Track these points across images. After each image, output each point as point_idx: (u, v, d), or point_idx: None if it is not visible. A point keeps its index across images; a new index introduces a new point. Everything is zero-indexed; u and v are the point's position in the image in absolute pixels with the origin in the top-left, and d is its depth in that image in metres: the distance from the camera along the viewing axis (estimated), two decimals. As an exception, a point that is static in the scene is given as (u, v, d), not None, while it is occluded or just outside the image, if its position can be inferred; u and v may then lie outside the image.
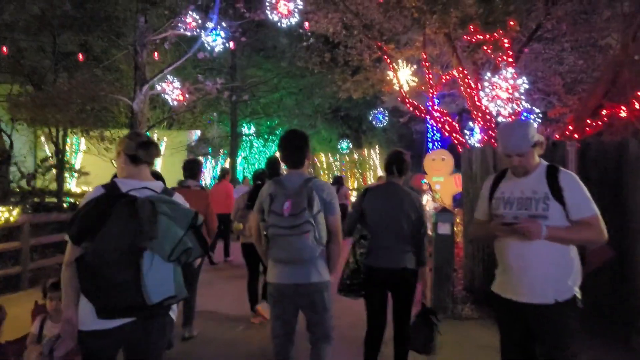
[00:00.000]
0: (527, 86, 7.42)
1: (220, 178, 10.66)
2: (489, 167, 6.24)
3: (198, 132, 23.49)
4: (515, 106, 7.48)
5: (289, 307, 3.25)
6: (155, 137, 22.20)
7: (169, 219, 2.40)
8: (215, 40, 11.55)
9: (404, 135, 26.42)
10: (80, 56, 11.78)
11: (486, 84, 7.78)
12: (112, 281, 2.29)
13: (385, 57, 10.50)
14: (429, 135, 19.26)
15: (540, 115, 10.52)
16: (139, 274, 2.30)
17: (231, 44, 11.67)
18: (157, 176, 3.64)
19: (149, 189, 2.56)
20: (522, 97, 7.38)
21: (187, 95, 13.05)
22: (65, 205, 8.40)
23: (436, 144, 18.68)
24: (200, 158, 26.21)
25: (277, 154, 3.81)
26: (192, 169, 5.43)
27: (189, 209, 2.58)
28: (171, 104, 12.95)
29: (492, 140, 10.16)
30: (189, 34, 12.22)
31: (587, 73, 11.71)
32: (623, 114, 8.28)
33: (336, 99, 23.54)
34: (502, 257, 2.96)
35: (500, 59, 8.17)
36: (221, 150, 24.05)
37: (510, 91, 7.34)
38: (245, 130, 24.34)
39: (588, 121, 8.69)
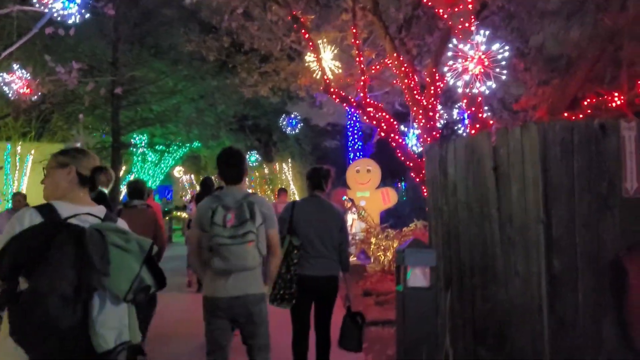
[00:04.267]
0: (507, 53, 5.20)
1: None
2: (483, 169, 3.80)
3: (78, 145, 19.63)
4: (492, 83, 5.19)
5: (225, 320, 3.27)
6: (18, 150, 18.09)
7: (122, 251, 2.14)
8: (68, 7, 8.36)
9: (318, 147, 24.13)
10: None
11: (450, 54, 5.46)
12: (53, 328, 1.99)
13: (303, 31, 7.96)
14: (349, 143, 17.02)
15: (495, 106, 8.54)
16: (87, 319, 2.05)
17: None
18: (101, 198, 3.07)
19: (92, 216, 2.29)
20: (504, 71, 5.13)
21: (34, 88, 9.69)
22: None
23: (358, 154, 16.51)
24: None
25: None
26: (136, 188, 5.45)
27: (143, 238, 2.26)
28: (11, 97, 9.50)
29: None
30: (42, 8, 8.96)
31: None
32: (612, 102, 6.30)
33: (242, 106, 20.77)
34: None
35: (460, 27, 5.93)
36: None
37: (485, 62, 5.06)
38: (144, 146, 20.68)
39: (565, 115, 6.66)
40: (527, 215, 3.36)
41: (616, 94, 5.84)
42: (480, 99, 6.55)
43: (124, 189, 24.76)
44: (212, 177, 7.48)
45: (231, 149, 3.59)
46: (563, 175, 3.27)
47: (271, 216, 3.35)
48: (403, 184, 18.85)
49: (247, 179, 3.28)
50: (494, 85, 5.17)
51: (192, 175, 29.00)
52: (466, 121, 7.24)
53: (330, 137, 27.41)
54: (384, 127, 7.95)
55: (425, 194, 5.71)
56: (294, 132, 19.26)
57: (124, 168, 24.32)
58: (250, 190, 3.32)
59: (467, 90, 5.33)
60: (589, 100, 6.60)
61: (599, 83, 6.74)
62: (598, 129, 3.32)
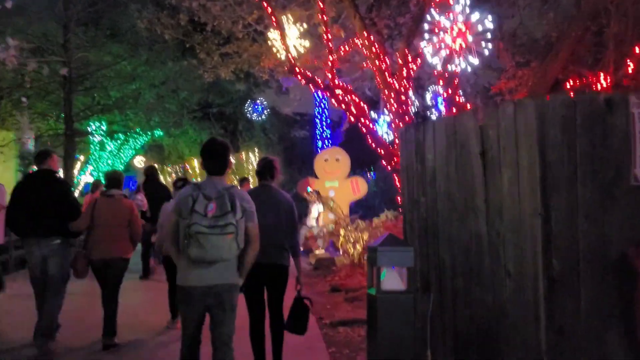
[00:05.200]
0: (491, 26, 4.69)
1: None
2: (468, 154, 3.28)
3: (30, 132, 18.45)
4: (473, 60, 4.68)
5: (199, 308, 3.35)
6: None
7: None
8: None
9: (285, 136, 23.43)
10: None
11: (426, 26, 4.91)
12: None
13: (265, 4, 7.30)
14: (317, 131, 16.41)
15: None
16: None
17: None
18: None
19: None
20: (489, 45, 4.61)
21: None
22: None
23: (326, 142, 15.94)
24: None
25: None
26: (114, 178, 5.74)
27: None
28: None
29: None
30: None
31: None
32: (597, 84, 5.90)
33: (205, 93, 19.88)
34: None
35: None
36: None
37: (465, 35, 4.53)
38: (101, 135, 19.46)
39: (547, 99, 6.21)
40: (521, 208, 2.86)
41: (602, 75, 5.43)
42: (457, 80, 6.06)
43: (81, 181, 23.58)
44: (155, 166, 8.45)
45: (216, 140, 3.63)
46: (564, 161, 2.78)
47: (252, 210, 3.41)
48: (372, 173, 18.43)
49: (230, 171, 3.63)
50: (476, 62, 4.67)
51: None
52: (441, 106, 6.76)
53: (299, 126, 26.78)
54: (354, 112, 7.40)
55: (399, 183, 5.18)
56: (260, 120, 18.54)
57: (82, 158, 23.12)
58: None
59: (448, 67, 4.80)
60: (571, 82, 6.19)
61: (581, 64, 6.34)
62: (604, 105, 2.83)
